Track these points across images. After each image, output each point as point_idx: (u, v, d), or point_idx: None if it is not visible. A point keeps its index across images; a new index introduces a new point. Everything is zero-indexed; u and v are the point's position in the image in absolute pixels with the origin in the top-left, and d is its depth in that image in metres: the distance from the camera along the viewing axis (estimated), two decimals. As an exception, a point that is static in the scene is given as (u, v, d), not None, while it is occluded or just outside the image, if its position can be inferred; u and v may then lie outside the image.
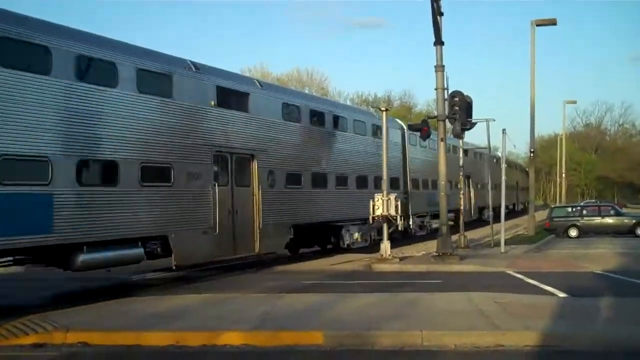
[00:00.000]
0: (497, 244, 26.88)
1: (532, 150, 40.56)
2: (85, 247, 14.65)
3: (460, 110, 22.38)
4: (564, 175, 68.03)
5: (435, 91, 22.82)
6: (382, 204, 22.88)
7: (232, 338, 10.47)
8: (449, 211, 27.56)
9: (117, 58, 15.81)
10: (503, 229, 26.52)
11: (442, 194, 22.62)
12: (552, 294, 15.02)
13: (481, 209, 47.42)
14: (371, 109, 46.88)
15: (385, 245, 23.00)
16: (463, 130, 23.61)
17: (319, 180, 24.49)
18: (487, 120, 28.69)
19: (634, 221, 36.19)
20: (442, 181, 22.70)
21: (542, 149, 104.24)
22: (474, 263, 21.84)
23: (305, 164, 23.53)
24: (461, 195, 30.86)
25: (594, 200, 75.62)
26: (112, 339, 10.70)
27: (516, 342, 10.04)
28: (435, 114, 23.74)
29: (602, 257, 23.67)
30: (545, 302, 13.42)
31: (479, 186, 46.50)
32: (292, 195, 22.53)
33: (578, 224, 36.38)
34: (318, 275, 20.04)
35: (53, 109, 14.02)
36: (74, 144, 14.42)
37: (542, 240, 33.33)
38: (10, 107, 13.13)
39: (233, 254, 19.74)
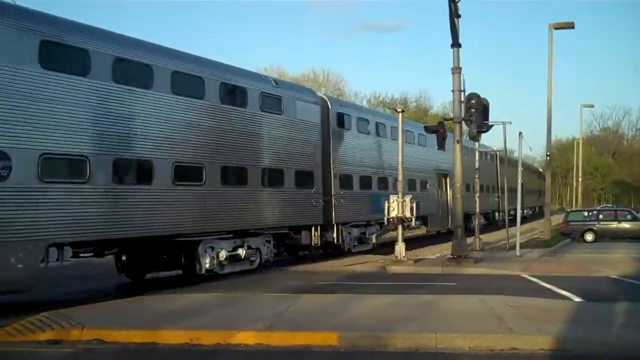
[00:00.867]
0: (513, 247, 26.78)
1: (548, 153, 40.33)
2: None
3: (476, 112, 22.32)
4: (580, 179, 67.54)
5: (451, 93, 22.77)
6: (398, 206, 22.84)
7: (246, 337, 10.51)
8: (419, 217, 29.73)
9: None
10: (518, 233, 26.41)
11: (458, 196, 22.56)
12: (567, 298, 14.95)
13: (467, 216, 43.48)
14: (387, 110, 46.66)
15: (400, 246, 22.98)
16: (479, 132, 23.56)
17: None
18: (503, 123, 28.59)
19: (651, 226, 35.93)
20: (458, 183, 22.65)
21: (559, 153, 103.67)
22: (489, 266, 21.77)
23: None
24: (477, 199, 30.76)
25: (610, 205, 75.18)
26: (127, 337, 10.78)
27: (530, 345, 10.01)
28: (452, 116, 23.68)
29: (618, 261, 23.51)
30: (560, 306, 13.36)
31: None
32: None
33: (594, 228, 36.18)
34: (332, 275, 20.07)
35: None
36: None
37: (557, 244, 33.16)
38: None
39: None
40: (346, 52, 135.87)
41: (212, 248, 18.78)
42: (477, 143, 30.54)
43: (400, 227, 23.20)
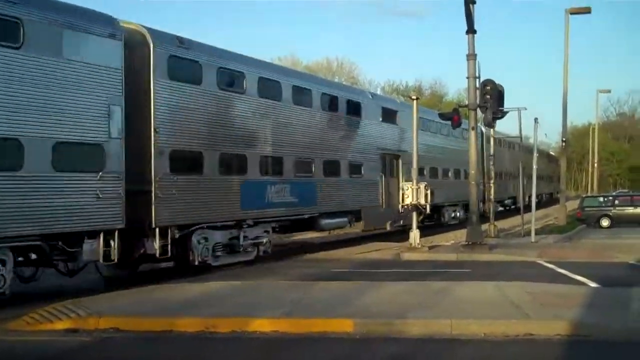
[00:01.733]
0: (528, 234, 26.70)
1: (564, 139, 40.14)
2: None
3: (491, 99, 22.23)
4: (596, 164, 67.17)
5: (466, 80, 22.67)
6: (412, 193, 22.80)
7: (262, 325, 10.54)
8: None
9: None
10: (533, 219, 26.34)
11: (473, 183, 22.50)
12: (584, 284, 14.92)
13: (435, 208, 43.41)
14: (402, 97, 46.52)
15: (415, 233, 22.94)
16: (494, 119, 23.46)
17: None
18: (518, 109, 28.51)
19: (666, 212, 35.74)
20: (472, 170, 22.59)
21: (574, 138, 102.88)
22: (504, 252, 21.74)
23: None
24: (492, 185, 30.68)
25: (626, 190, 74.71)
26: (143, 325, 10.83)
27: (547, 331, 9.99)
28: (467, 103, 23.59)
29: (635, 247, 23.36)
30: (577, 291, 13.32)
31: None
32: None
33: (610, 214, 36.03)
34: (347, 263, 20.09)
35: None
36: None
37: (573, 230, 33.07)
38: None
39: None
40: (361, 40, 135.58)
41: None
42: (492, 129, 30.41)
43: (414, 214, 23.15)
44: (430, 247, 23.53)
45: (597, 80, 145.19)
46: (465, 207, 30.67)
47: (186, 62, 17.79)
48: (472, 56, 22.34)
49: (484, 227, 25.66)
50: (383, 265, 19.67)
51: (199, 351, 9.80)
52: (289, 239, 27.82)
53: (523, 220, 29.19)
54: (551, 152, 75.85)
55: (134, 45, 16.18)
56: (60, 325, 11.00)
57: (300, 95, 22.78)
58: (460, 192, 32.33)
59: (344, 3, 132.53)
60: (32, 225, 13.45)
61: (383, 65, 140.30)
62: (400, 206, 23.49)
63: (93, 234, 14.81)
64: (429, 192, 23.09)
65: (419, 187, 22.85)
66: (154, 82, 16.47)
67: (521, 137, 34.09)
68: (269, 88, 20.80)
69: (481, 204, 27.35)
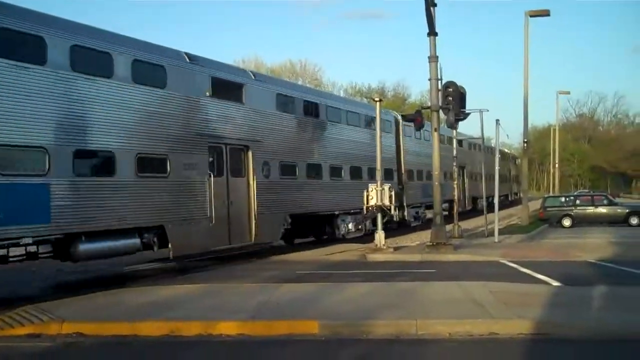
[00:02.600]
0: (491, 234, 26.97)
1: (525, 140, 40.64)
2: None
3: (453, 100, 22.41)
4: (557, 165, 68.10)
5: (429, 82, 22.80)
6: (376, 194, 22.90)
7: (227, 328, 10.50)
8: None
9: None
10: (497, 219, 26.61)
11: (437, 184, 22.66)
12: (546, 283, 15.10)
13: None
14: (364, 99, 46.69)
15: (380, 235, 23.04)
16: (457, 120, 23.62)
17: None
18: (480, 111, 28.78)
19: (627, 211, 36.38)
20: (436, 171, 22.73)
21: (536, 140, 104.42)
22: (468, 252, 21.91)
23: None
24: (455, 186, 30.90)
25: (587, 190, 75.83)
26: (107, 329, 10.72)
27: (510, 330, 10.10)
28: (429, 105, 23.75)
29: (596, 246, 23.77)
30: (539, 290, 13.49)
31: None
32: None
33: (571, 213, 36.52)
34: (313, 265, 20.09)
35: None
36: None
37: (535, 229, 33.43)
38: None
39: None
40: (324, 42, 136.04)
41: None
42: (454, 131, 30.63)
43: (379, 216, 23.25)
44: (396, 248, 23.63)
45: (556, 82, 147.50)
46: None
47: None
48: (433, 58, 22.48)
49: (448, 227, 25.83)
50: (349, 266, 19.71)
51: (164, 355, 9.74)
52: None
53: (487, 221, 29.46)
54: (505, 150, 75.94)
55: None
56: (22, 330, 10.85)
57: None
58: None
59: (307, 7, 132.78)
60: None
61: (347, 67, 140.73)
62: (364, 207, 23.54)
63: None
64: (393, 193, 23.20)
65: (383, 189, 22.96)
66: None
67: (483, 139, 34.38)
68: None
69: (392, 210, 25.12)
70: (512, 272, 17.32)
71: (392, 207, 23.76)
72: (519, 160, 76.26)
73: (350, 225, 27.50)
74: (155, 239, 17.42)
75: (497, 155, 27.99)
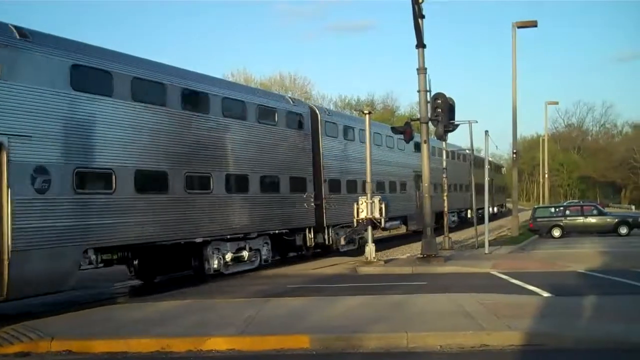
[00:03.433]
0: (482, 245, 26.99)
1: (514, 151, 40.77)
2: None
3: (442, 112, 22.48)
4: (546, 175, 68.32)
5: (417, 94, 22.87)
6: (367, 207, 22.88)
7: (218, 343, 10.46)
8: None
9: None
10: (487, 230, 26.63)
11: (427, 196, 22.67)
12: (536, 294, 15.11)
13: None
14: (354, 112, 46.12)
15: (370, 248, 23.01)
16: (446, 132, 23.72)
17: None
18: (469, 122, 28.81)
19: (616, 220, 36.48)
20: (426, 183, 22.76)
21: (525, 150, 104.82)
22: (459, 264, 21.91)
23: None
24: (445, 198, 30.89)
25: (576, 200, 76.04)
26: (97, 347, 10.65)
27: (501, 342, 10.10)
28: (418, 117, 23.80)
29: (585, 256, 23.82)
30: (530, 301, 13.50)
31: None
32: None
33: (561, 224, 36.60)
34: (303, 278, 20.05)
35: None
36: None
37: (525, 240, 33.50)
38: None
39: None
40: (313, 55, 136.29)
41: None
42: (444, 142, 30.71)
43: (370, 228, 23.23)
44: (386, 261, 23.60)
45: (545, 92, 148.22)
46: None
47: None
48: (422, 70, 22.57)
49: (439, 239, 25.84)
50: (339, 279, 19.67)
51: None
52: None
53: (477, 232, 29.49)
54: (490, 158, 74.00)
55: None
56: (11, 349, 10.77)
57: None
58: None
59: (296, 20, 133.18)
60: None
61: (335, 80, 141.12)
62: (354, 220, 23.50)
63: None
64: (383, 206, 23.19)
65: (374, 202, 22.95)
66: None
67: (472, 150, 34.47)
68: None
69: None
70: (503, 284, 17.33)
71: (383, 220, 23.58)
72: (504, 169, 76.03)
73: (229, 256, 20.59)
74: None
75: (487, 167, 28.04)
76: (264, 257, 22.60)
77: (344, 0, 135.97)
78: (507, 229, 40.31)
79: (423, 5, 22.25)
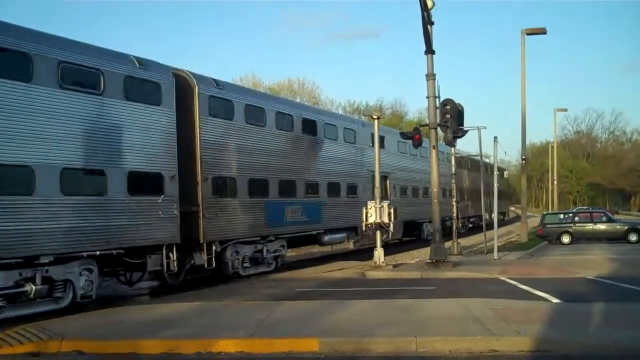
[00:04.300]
0: (490, 251, 26.94)
1: (523, 157, 40.69)
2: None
3: (451, 118, 22.48)
4: (555, 182, 68.13)
5: (426, 99, 22.88)
6: (375, 212, 22.89)
7: (227, 346, 10.49)
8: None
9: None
10: (496, 236, 26.58)
11: (435, 201, 22.65)
12: (546, 300, 15.08)
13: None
14: (363, 117, 45.86)
15: (379, 252, 23.01)
16: (454, 138, 23.70)
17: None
18: (478, 128, 28.80)
19: (626, 227, 36.33)
20: (435, 189, 22.76)
21: (534, 156, 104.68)
22: (467, 270, 21.88)
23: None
24: (454, 203, 30.85)
25: (586, 207, 75.79)
26: (106, 348, 10.72)
27: (510, 347, 10.10)
28: (427, 122, 23.80)
29: (595, 263, 23.74)
30: (539, 307, 13.48)
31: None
32: None
33: (570, 230, 36.48)
34: (312, 282, 20.07)
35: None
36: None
37: (535, 246, 33.40)
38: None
39: None
40: (322, 61, 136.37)
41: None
42: (452, 148, 30.68)
43: (378, 233, 23.22)
44: (395, 266, 23.61)
45: (554, 99, 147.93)
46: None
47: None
48: (431, 76, 22.58)
49: (448, 244, 25.82)
50: (348, 283, 19.68)
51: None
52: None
53: (486, 238, 29.45)
54: (486, 160, 64.24)
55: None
56: (21, 349, 10.84)
57: None
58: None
59: (305, 25, 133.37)
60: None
61: (345, 85, 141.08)
62: (363, 225, 23.49)
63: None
64: (392, 210, 23.17)
65: (382, 206, 22.95)
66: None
67: (481, 156, 34.42)
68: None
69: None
70: (512, 289, 17.30)
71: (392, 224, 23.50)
72: (507, 172, 74.95)
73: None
74: None
75: (496, 173, 28.02)
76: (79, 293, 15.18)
77: (353, 6, 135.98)
78: (516, 235, 40.19)
79: (432, 12, 22.28)
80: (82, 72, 15.51)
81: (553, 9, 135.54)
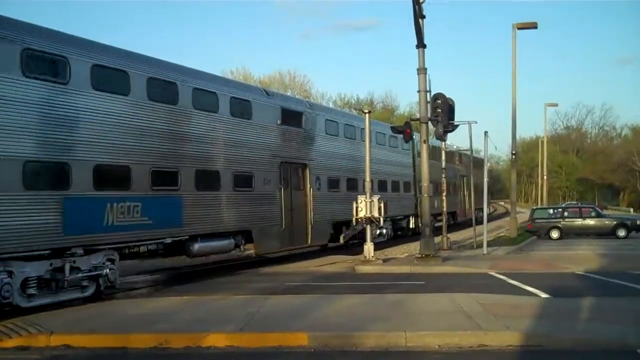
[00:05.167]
0: (480, 246, 27.00)
1: (513, 152, 40.78)
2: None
3: (442, 112, 22.51)
4: (545, 177, 68.30)
5: (417, 93, 22.87)
6: (366, 206, 22.89)
7: (216, 340, 10.48)
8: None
9: None
10: (485, 231, 26.65)
11: (425, 196, 22.68)
12: (534, 295, 15.12)
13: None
14: (354, 111, 45.26)
15: (369, 246, 23.02)
16: (445, 132, 23.75)
17: None
18: (469, 123, 28.79)
19: (614, 222, 36.52)
20: (425, 183, 22.78)
21: (524, 151, 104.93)
22: (457, 264, 21.92)
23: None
24: (444, 198, 30.88)
25: (575, 202, 76.07)
26: (95, 341, 10.68)
27: (499, 342, 10.13)
28: (418, 116, 23.81)
29: (583, 258, 23.85)
30: (528, 302, 13.54)
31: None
32: None
33: (559, 225, 36.61)
34: (302, 276, 20.07)
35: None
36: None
37: (524, 241, 33.49)
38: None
39: None
40: (313, 53, 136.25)
41: None
42: (443, 143, 30.70)
43: (368, 227, 23.23)
44: (385, 260, 23.62)
45: (545, 94, 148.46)
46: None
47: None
48: (422, 70, 22.56)
49: (437, 239, 25.86)
50: (338, 278, 19.68)
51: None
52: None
53: (475, 233, 29.52)
54: (463, 150, 52.18)
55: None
56: (10, 343, 10.79)
57: None
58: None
59: (295, 18, 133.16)
60: None
61: (335, 79, 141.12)
62: (353, 219, 23.50)
63: None
64: (382, 205, 23.18)
65: (372, 201, 22.96)
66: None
67: (472, 150, 34.46)
68: None
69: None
70: (501, 284, 17.35)
71: (382, 220, 23.50)
72: (489, 164, 74.40)
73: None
74: None
75: (486, 168, 28.08)
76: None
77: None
78: (505, 230, 40.30)
79: (424, 6, 22.25)
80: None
81: (544, 3, 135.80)
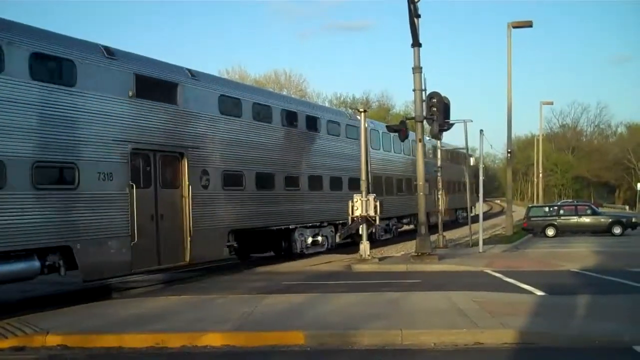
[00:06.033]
0: (476, 244, 27.03)
1: (509, 150, 40.85)
2: None
3: (437, 111, 22.49)
4: (541, 175, 68.40)
5: (413, 92, 22.87)
6: (361, 205, 22.91)
7: (213, 339, 10.48)
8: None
9: None
10: (481, 229, 26.69)
11: (421, 194, 22.69)
12: (530, 292, 15.16)
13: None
14: (349, 110, 44.92)
15: (365, 245, 23.04)
16: (441, 131, 23.73)
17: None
18: (464, 122, 28.87)
19: (610, 220, 36.60)
20: (421, 181, 22.79)
21: (519, 150, 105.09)
22: (453, 262, 21.94)
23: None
24: (439, 196, 30.93)
25: (570, 200, 76.16)
26: (91, 342, 10.67)
27: (495, 340, 10.15)
28: (413, 115, 23.81)
29: (579, 255, 23.88)
30: (523, 300, 13.56)
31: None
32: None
33: (555, 223, 36.67)
34: (298, 275, 20.07)
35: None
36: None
37: (519, 239, 33.54)
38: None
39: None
40: (309, 53, 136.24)
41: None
42: (438, 141, 30.72)
43: (364, 226, 23.23)
44: (381, 259, 23.65)
45: (540, 92, 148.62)
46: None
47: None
48: (417, 69, 22.56)
49: (433, 237, 25.88)
50: (334, 277, 19.69)
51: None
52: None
53: (471, 231, 29.56)
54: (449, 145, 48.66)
55: None
56: (5, 343, 10.77)
57: None
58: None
59: (291, 18, 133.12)
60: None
61: (331, 78, 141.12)
62: (349, 218, 23.50)
63: None
64: (378, 203, 23.19)
65: (368, 199, 22.98)
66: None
67: (467, 149, 34.52)
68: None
69: None
70: (497, 282, 17.38)
71: (377, 218, 23.46)
72: (473, 158, 73.29)
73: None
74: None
75: (481, 166, 28.10)
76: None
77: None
78: (501, 228, 40.35)
79: (419, 5, 22.25)
80: None
81: (540, 2, 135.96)
